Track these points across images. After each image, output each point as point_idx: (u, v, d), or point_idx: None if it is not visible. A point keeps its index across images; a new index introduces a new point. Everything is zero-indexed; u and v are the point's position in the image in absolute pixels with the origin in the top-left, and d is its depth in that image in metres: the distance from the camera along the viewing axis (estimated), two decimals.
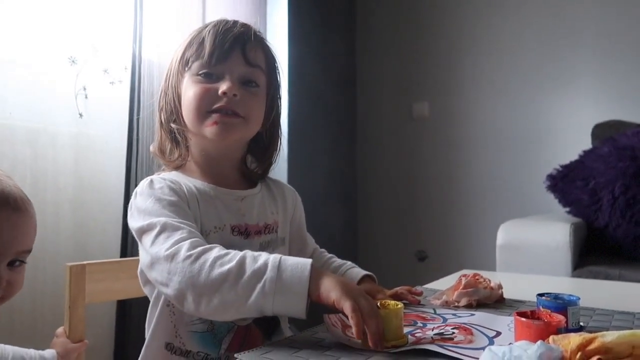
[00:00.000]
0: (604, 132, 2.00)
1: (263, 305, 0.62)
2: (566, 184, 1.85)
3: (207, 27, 0.82)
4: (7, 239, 0.68)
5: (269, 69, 0.86)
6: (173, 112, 0.84)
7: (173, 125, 0.83)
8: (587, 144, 2.05)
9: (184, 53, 0.82)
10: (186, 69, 0.81)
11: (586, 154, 1.87)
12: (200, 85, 0.79)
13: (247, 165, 0.92)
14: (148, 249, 0.70)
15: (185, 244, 0.67)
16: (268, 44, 0.88)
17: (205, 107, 0.79)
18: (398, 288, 0.86)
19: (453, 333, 0.64)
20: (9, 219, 0.68)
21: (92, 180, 1.59)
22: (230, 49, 0.79)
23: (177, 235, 0.68)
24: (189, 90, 0.80)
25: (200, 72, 0.80)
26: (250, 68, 0.81)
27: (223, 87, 0.78)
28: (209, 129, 0.79)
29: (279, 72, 0.90)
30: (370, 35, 2.92)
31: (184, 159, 0.84)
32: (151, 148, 0.89)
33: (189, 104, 0.80)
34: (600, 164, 1.76)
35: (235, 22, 0.83)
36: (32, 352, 0.91)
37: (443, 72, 2.69)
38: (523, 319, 0.57)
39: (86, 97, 1.57)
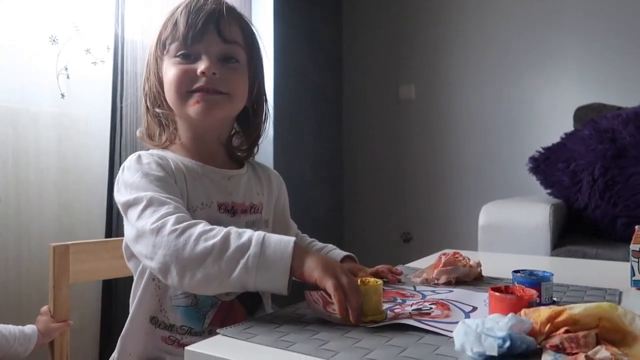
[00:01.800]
0: (586, 115, 2.02)
1: (246, 280, 0.63)
2: (548, 166, 1.87)
3: (179, 6, 0.81)
4: None
5: (248, 42, 0.85)
6: (157, 97, 0.83)
7: (158, 110, 0.83)
8: (569, 126, 2.07)
9: (159, 36, 0.81)
10: (164, 52, 0.81)
11: (568, 136, 1.89)
12: (178, 67, 0.79)
13: (234, 145, 0.92)
14: (134, 223, 0.70)
15: (171, 219, 0.67)
16: (244, 16, 0.86)
17: (186, 87, 0.79)
18: (379, 266, 0.88)
19: (431, 308, 0.66)
20: None
21: (76, 161, 1.58)
22: (204, 27, 0.78)
23: (163, 210, 0.69)
24: (169, 73, 0.80)
25: (177, 54, 0.80)
26: (226, 45, 0.81)
27: (201, 66, 0.78)
28: (192, 108, 0.79)
29: (258, 44, 0.88)
30: (357, 17, 2.90)
31: (172, 141, 0.85)
32: (138, 134, 0.88)
33: (170, 86, 0.80)
34: (581, 146, 1.79)
35: None
36: (11, 327, 0.92)
37: (429, 55, 2.69)
38: (497, 294, 0.59)
39: (68, 77, 1.55)
